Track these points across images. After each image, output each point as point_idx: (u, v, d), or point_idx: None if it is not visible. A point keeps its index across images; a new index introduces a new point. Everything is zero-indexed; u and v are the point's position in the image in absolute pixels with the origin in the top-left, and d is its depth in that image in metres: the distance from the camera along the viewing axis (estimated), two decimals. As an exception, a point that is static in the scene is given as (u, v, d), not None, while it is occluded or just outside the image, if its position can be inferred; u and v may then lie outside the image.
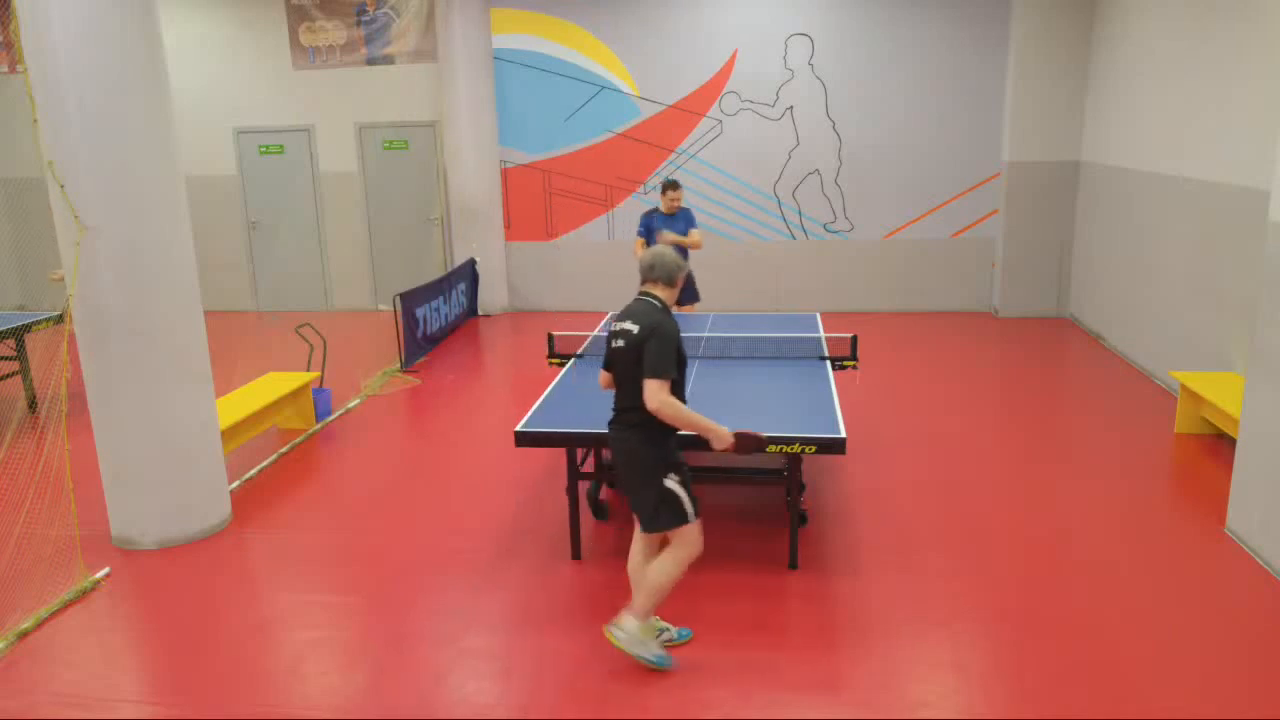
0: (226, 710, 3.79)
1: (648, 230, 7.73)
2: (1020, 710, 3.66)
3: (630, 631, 3.90)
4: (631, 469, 3.92)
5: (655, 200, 10.89)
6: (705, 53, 10.42)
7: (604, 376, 4.11)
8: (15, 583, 4.77)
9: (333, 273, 11.75)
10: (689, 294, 7.78)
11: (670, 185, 7.66)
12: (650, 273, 3.95)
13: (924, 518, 5.35)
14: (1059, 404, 7.56)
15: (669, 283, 3.97)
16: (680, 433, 3.91)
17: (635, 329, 3.82)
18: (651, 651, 3.92)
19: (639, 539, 4.07)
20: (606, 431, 4.08)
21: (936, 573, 4.72)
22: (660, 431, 3.85)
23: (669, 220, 7.70)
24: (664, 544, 4.03)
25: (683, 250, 7.36)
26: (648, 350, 3.74)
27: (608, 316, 4.05)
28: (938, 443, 6.53)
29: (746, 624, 4.22)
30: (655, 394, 3.73)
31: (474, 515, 5.54)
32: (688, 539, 3.89)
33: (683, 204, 7.77)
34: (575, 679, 3.92)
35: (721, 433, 3.87)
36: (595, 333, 6.53)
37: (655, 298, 3.95)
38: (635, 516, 3.97)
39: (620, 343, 3.89)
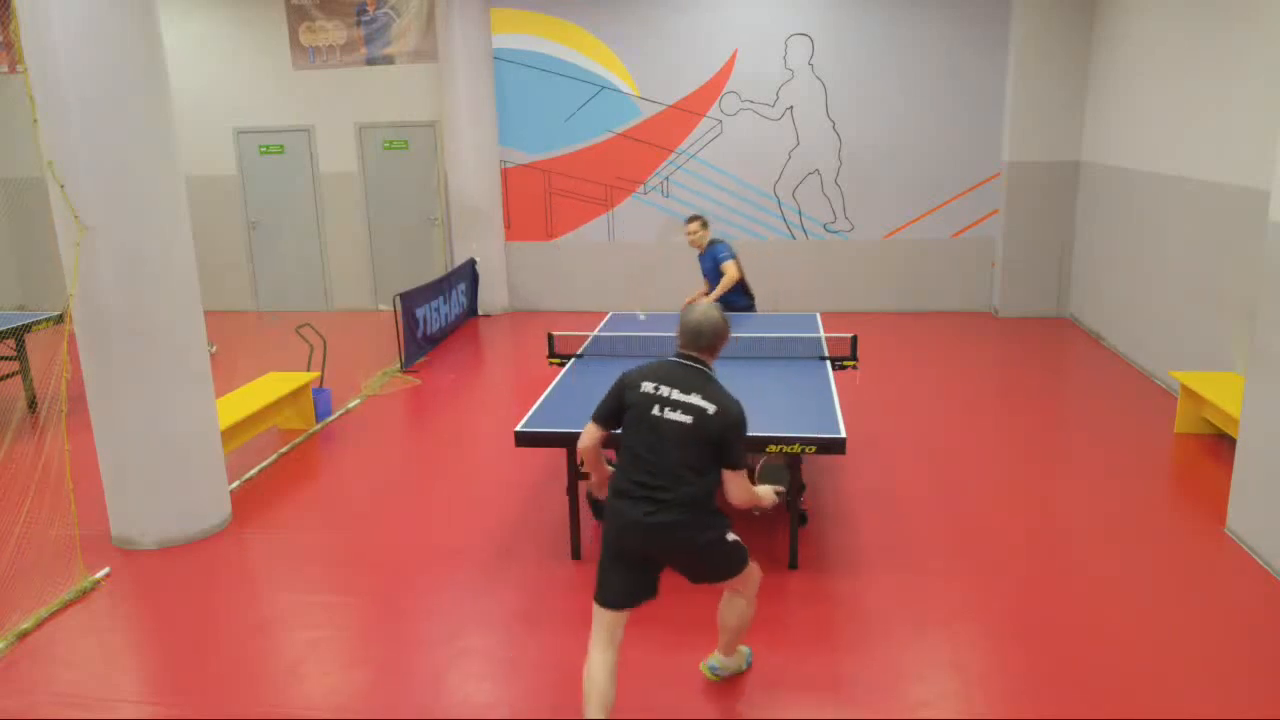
0: (226, 710, 3.79)
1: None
2: (1020, 710, 3.66)
3: (727, 664, 3.85)
4: (693, 555, 3.43)
5: (655, 201, 10.99)
6: (705, 53, 10.41)
7: (594, 434, 3.51)
8: (15, 583, 4.77)
9: (333, 273, 11.75)
10: (746, 302, 7.22)
11: (689, 219, 7.12)
12: (697, 341, 3.46)
13: (924, 518, 5.35)
14: (1059, 404, 7.56)
15: (715, 352, 3.53)
16: None
17: (709, 409, 3.32)
18: (744, 661, 3.93)
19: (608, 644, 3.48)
20: (626, 522, 3.36)
21: (936, 573, 4.72)
22: (710, 500, 3.41)
23: (699, 259, 7.21)
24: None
25: (742, 291, 7.01)
26: (732, 442, 3.34)
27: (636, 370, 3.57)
28: (938, 442, 6.53)
29: (746, 624, 4.22)
30: (745, 487, 3.41)
31: (474, 515, 5.54)
32: (755, 576, 3.67)
33: (709, 238, 7.10)
34: (575, 679, 3.91)
35: (768, 496, 3.64)
36: (595, 333, 6.54)
37: (707, 366, 3.49)
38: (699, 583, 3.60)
39: (680, 416, 3.34)
